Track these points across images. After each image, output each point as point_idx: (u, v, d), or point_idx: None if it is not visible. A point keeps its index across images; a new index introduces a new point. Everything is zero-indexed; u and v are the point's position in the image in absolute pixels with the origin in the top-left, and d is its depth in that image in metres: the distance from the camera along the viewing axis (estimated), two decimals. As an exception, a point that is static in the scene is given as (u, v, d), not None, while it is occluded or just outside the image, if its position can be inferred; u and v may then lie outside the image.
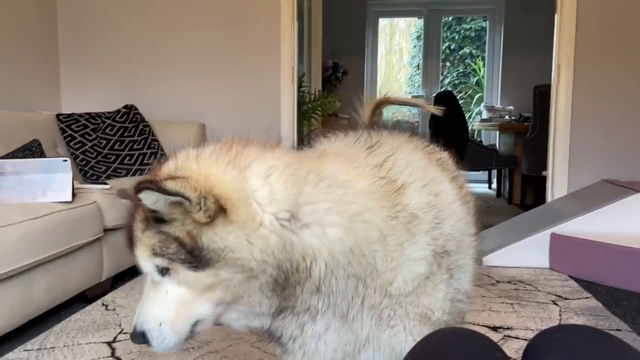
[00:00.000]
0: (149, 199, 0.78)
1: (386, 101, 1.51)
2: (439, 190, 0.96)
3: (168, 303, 0.84)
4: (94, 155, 3.17)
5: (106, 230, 2.43)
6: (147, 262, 0.84)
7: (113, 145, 3.26)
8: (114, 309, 2.23)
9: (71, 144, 3.16)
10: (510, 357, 0.78)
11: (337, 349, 0.90)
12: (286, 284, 0.83)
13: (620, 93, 3.47)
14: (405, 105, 1.71)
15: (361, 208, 0.85)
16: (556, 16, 3.50)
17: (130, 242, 0.87)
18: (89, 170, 3.11)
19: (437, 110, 1.57)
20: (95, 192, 2.42)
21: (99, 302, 2.32)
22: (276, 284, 0.82)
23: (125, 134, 3.34)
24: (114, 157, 3.22)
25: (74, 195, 2.21)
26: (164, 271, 0.83)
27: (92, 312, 2.20)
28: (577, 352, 0.72)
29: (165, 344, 0.84)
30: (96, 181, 2.94)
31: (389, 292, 0.88)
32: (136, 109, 3.51)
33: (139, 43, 3.81)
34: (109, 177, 3.10)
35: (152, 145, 3.39)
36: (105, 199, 2.43)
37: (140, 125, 3.44)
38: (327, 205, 0.84)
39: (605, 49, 3.46)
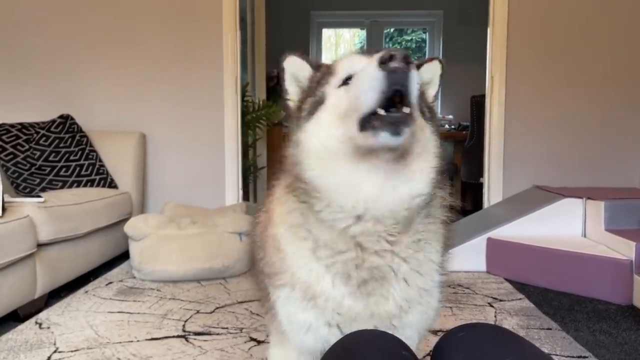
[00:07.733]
0: None
1: None
2: None
3: None
4: (27, 167, 3.04)
5: (40, 245, 2.34)
6: None
7: (48, 156, 3.14)
8: (49, 327, 2.14)
9: (2, 155, 3.01)
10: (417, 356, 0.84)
11: None
12: None
13: (549, 103, 3.66)
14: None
15: None
16: (489, 29, 3.66)
17: None
18: (21, 182, 2.98)
19: None
20: (28, 206, 2.32)
21: (32, 320, 2.22)
22: None
23: (61, 145, 3.23)
24: (48, 169, 3.10)
25: (4, 209, 2.12)
26: None
27: (25, 331, 2.10)
28: (478, 346, 0.80)
29: None
30: (29, 194, 2.82)
31: None
32: (72, 118, 3.39)
33: (76, 50, 3.69)
34: (43, 189, 2.98)
35: (90, 156, 3.29)
36: (39, 212, 2.34)
37: (77, 136, 3.33)
38: None
39: (535, 61, 3.65)
